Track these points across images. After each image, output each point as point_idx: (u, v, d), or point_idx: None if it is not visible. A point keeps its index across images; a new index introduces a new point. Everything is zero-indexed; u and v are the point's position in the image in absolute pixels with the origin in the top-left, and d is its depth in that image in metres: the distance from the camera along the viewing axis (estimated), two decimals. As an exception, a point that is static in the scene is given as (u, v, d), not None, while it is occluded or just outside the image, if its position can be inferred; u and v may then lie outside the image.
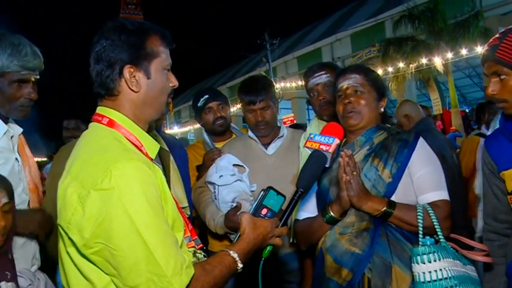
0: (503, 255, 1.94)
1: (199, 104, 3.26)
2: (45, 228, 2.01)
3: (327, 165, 1.83)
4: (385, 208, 1.89)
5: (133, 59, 1.42)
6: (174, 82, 1.53)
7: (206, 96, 3.26)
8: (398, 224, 1.91)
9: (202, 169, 3.00)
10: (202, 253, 1.52)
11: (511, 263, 1.88)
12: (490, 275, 1.98)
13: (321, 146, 1.84)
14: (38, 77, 2.04)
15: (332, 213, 1.96)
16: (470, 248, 1.87)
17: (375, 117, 2.11)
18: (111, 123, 1.44)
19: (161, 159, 2.23)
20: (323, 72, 2.68)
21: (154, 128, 1.61)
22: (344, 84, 2.12)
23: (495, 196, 1.96)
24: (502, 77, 1.75)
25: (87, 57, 1.47)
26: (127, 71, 1.42)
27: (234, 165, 2.75)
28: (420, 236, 1.81)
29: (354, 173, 1.87)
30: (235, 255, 1.43)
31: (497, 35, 1.79)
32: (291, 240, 2.61)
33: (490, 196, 1.99)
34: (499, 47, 1.74)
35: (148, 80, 1.45)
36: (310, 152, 1.86)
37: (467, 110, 16.19)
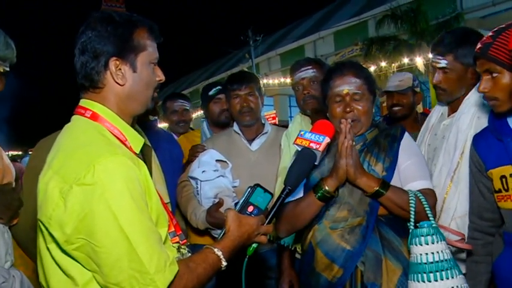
0: (485, 254, 1.96)
1: (210, 93, 3.28)
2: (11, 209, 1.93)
3: (315, 163, 1.81)
4: (379, 187, 1.88)
5: (120, 52, 1.39)
6: (160, 76, 1.50)
7: (219, 87, 3.29)
8: (390, 206, 1.91)
9: (186, 163, 2.98)
10: (187, 248, 1.50)
11: (497, 261, 1.90)
12: (472, 272, 2.00)
13: (311, 144, 1.79)
14: (7, 69, 1.96)
15: (326, 187, 1.91)
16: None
17: (370, 120, 2.10)
18: (94, 117, 1.40)
19: (143, 154, 2.20)
20: (309, 67, 2.70)
21: (135, 122, 1.57)
22: (344, 88, 2.05)
23: (481, 194, 1.97)
24: (494, 74, 1.76)
25: (68, 51, 1.44)
26: (113, 63, 1.39)
27: (216, 160, 2.74)
28: (411, 221, 1.83)
29: (354, 143, 1.86)
30: (219, 253, 1.41)
31: (490, 33, 1.80)
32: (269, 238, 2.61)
33: (476, 194, 2.00)
34: (492, 45, 1.74)
35: (134, 74, 1.42)
36: (298, 149, 1.84)
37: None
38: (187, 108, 3.96)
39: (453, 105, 2.33)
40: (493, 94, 1.79)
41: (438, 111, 2.46)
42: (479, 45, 1.81)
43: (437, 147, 2.33)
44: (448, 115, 2.37)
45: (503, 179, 1.82)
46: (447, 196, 2.16)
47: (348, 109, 2.03)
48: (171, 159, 2.87)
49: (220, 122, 3.27)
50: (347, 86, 2.05)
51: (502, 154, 1.84)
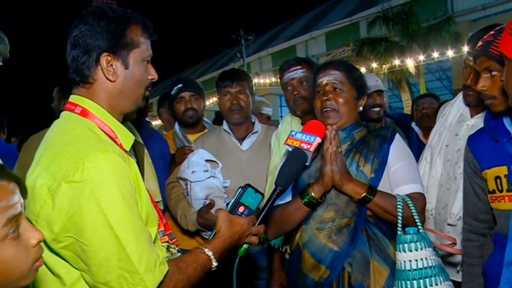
0: (481, 256, 1.95)
1: (172, 93, 3.19)
2: None
3: (306, 164, 1.80)
4: (366, 193, 1.88)
5: (112, 47, 1.37)
6: (153, 75, 1.49)
7: (180, 85, 3.19)
8: (377, 211, 1.91)
9: (172, 164, 2.96)
10: (176, 248, 1.48)
11: (487, 263, 1.89)
12: (469, 276, 1.99)
13: (302, 144, 1.78)
14: (1, 63, 1.95)
15: (313, 194, 1.91)
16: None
17: (353, 116, 2.10)
18: (84, 113, 1.38)
19: (135, 152, 2.18)
20: (299, 67, 2.65)
21: (134, 118, 1.56)
22: (324, 79, 2.08)
23: (476, 195, 1.96)
24: (494, 73, 1.74)
25: (57, 46, 1.42)
26: (104, 59, 1.37)
27: (206, 160, 2.71)
28: (399, 226, 1.83)
29: (339, 149, 1.86)
30: (210, 253, 1.39)
31: (492, 32, 1.78)
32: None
33: (471, 195, 1.99)
34: (493, 43, 1.73)
35: (126, 70, 1.40)
36: (289, 149, 1.83)
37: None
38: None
39: (477, 106, 2.29)
40: (492, 93, 1.78)
41: (456, 110, 2.41)
42: (480, 43, 1.79)
43: (462, 148, 2.28)
44: (471, 116, 2.34)
45: (498, 180, 1.81)
46: (463, 196, 2.11)
47: (325, 97, 2.04)
48: (161, 157, 2.85)
49: (186, 121, 3.16)
50: (327, 77, 2.08)
51: (497, 154, 1.83)
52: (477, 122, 2.28)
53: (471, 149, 1.97)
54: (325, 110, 2.05)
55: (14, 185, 0.97)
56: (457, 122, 2.40)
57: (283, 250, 2.56)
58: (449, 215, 2.28)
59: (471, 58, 2.18)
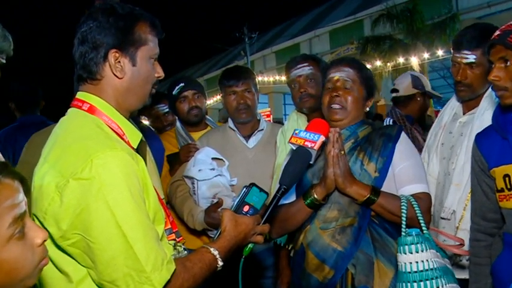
0: (489, 256, 1.93)
1: (174, 92, 3.14)
2: None
3: (311, 162, 1.79)
4: (369, 194, 1.86)
5: (120, 44, 1.37)
6: (159, 73, 1.48)
7: (181, 84, 3.14)
8: (381, 212, 1.89)
9: (177, 162, 2.94)
10: (183, 246, 1.47)
11: (495, 262, 1.87)
12: (476, 276, 1.97)
13: (306, 143, 1.77)
14: (3, 61, 1.93)
15: (315, 195, 1.90)
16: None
17: (359, 115, 2.08)
18: (91, 110, 1.37)
19: (138, 149, 2.16)
20: (306, 63, 2.61)
21: (135, 115, 1.55)
22: (335, 75, 2.06)
23: (484, 194, 1.94)
24: (509, 63, 1.70)
25: (58, 44, 1.41)
26: (112, 55, 1.37)
27: (212, 158, 2.69)
28: (403, 226, 1.81)
29: (342, 152, 1.84)
30: (215, 253, 1.39)
31: (511, 22, 1.74)
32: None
33: (479, 194, 1.96)
34: None
35: (133, 67, 1.40)
36: (293, 148, 1.81)
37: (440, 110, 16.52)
38: (167, 110, 3.63)
39: (469, 103, 2.30)
40: (504, 84, 1.73)
41: (451, 109, 2.43)
42: (497, 33, 1.75)
43: (455, 145, 2.30)
44: (464, 113, 2.34)
45: (506, 178, 1.79)
46: (470, 194, 2.10)
47: (334, 93, 2.02)
48: (155, 155, 2.83)
49: (191, 121, 3.11)
50: (338, 73, 2.06)
51: (506, 152, 1.80)
52: (469, 118, 2.28)
53: (479, 147, 1.94)
54: (332, 105, 2.03)
55: (18, 184, 0.96)
56: (451, 121, 2.40)
57: (289, 248, 2.55)
58: (443, 209, 2.27)
59: (458, 55, 2.23)
